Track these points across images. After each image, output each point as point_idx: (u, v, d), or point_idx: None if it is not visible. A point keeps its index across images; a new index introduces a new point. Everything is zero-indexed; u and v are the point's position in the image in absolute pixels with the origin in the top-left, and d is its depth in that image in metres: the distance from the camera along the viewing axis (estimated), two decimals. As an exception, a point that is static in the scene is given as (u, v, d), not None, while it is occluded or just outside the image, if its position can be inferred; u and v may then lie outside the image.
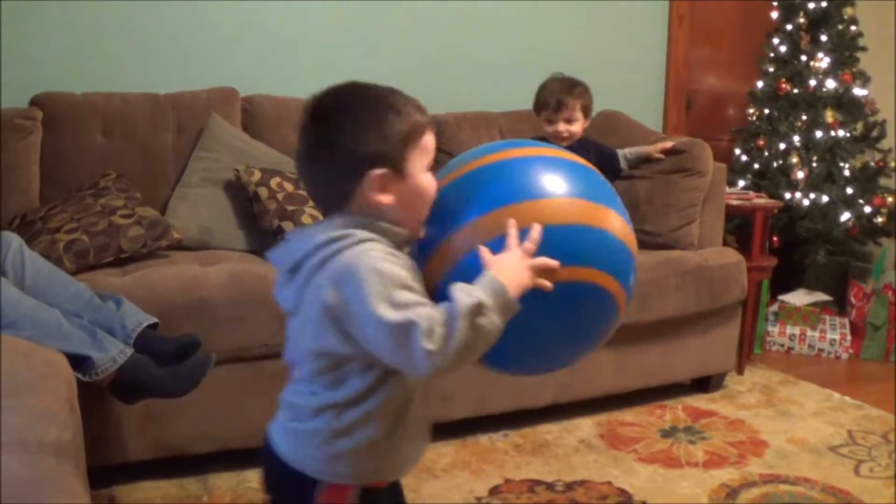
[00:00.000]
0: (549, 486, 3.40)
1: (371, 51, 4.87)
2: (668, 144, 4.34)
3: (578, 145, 4.23)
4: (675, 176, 4.31)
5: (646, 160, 4.37)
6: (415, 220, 1.82)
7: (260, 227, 3.86)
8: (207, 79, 4.38)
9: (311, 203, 3.83)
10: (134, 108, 4.10)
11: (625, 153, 4.40)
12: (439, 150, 4.59)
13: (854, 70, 5.47)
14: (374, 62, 4.89)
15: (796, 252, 5.52)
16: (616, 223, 1.88)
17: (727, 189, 4.68)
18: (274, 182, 3.86)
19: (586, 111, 4.23)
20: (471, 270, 1.69)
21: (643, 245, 4.27)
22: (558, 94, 4.19)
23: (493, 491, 3.35)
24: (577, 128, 4.19)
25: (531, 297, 1.70)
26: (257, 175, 3.87)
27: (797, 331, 5.29)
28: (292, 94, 4.46)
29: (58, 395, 2.09)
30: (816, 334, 5.26)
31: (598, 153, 4.25)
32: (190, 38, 4.49)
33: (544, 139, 4.31)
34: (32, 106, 4.00)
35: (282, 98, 4.43)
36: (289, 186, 3.87)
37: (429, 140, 1.84)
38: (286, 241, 1.80)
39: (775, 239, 5.43)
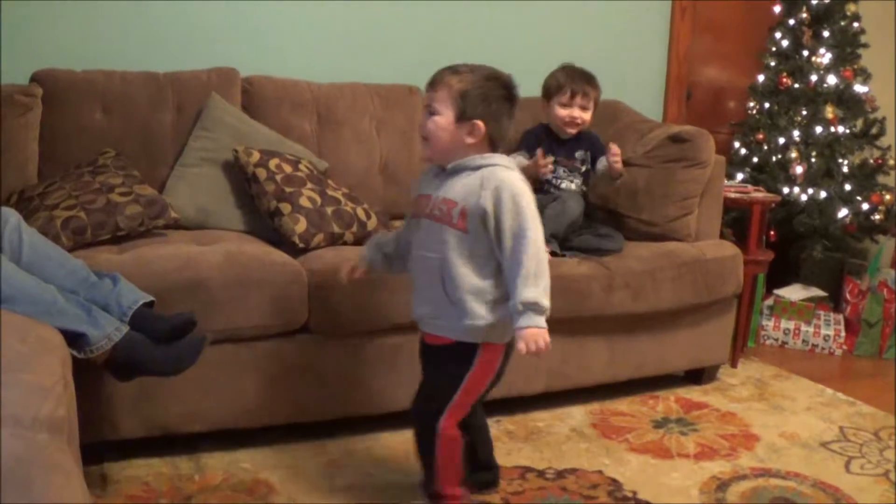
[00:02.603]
0: (540, 474, 3.41)
1: (373, 35, 4.87)
2: (619, 162, 4.18)
3: (586, 135, 4.36)
4: (675, 165, 4.31)
5: (609, 177, 4.34)
6: None
7: (257, 208, 3.85)
8: (208, 59, 4.38)
9: (309, 185, 3.83)
10: (134, 87, 4.10)
11: (603, 164, 4.37)
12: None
13: (855, 67, 5.47)
14: (377, 46, 4.88)
15: (793, 247, 5.53)
16: None
17: (725, 182, 4.68)
18: (272, 163, 3.86)
19: (596, 103, 4.35)
20: None
21: (640, 235, 4.31)
22: (579, 82, 4.28)
23: (485, 477, 3.35)
24: (588, 116, 4.31)
25: None
26: (256, 156, 3.87)
27: (791, 325, 5.30)
28: (293, 76, 4.47)
29: (52, 372, 2.09)
30: (811, 329, 5.27)
31: (596, 146, 4.37)
32: (191, 17, 4.49)
33: (547, 127, 4.35)
34: (32, 83, 4.00)
35: (282, 79, 4.43)
36: (287, 168, 3.87)
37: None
38: None
39: (772, 233, 5.43)
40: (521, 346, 2.60)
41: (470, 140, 2.72)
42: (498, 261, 2.70)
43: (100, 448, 3.19)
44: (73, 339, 2.71)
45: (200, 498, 3.07)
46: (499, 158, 2.76)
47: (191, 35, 4.48)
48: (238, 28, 4.59)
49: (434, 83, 2.78)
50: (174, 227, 3.73)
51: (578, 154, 4.33)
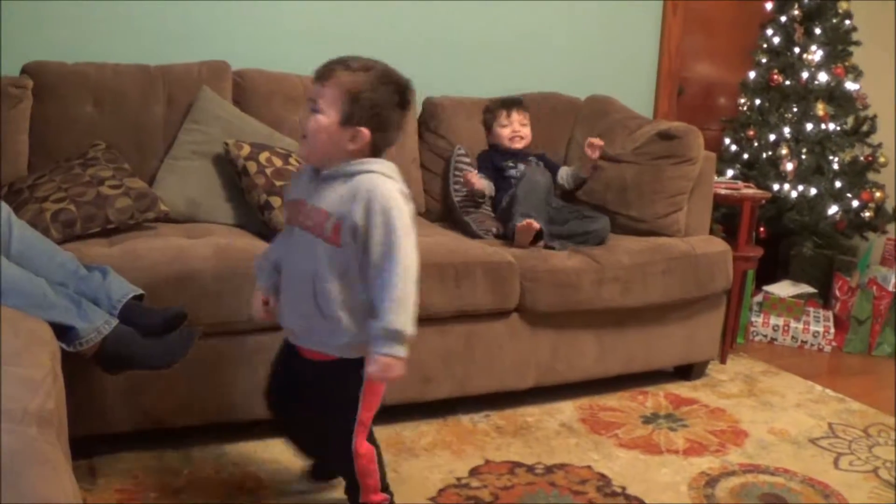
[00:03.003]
0: (530, 469, 3.41)
1: (366, 29, 4.85)
2: (594, 153, 4.38)
3: (534, 153, 4.61)
4: (664, 162, 4.31)
5: (582, 181, 4.49)
6: None
7: (247, 202, 3.85)
8: (199, 52, 4.37)
9: (300, 179, 3.84)
10: (125, 80, 4.08)
11: (566, 171, 4.56)
12: (431, 131, 4.66)
13: (846, 64, 5.49)
14: (370, 41, 4.87)
15: (783, 243, 5.54)
16: None
17: (716, 178, 4.69)
18: (263, 157, 3.85)
19: (530, 123, 4.68)
20: None
21: (629, 230, 4.32)
22: (509, 103, 4.68)
23: (474, 471, 3.35)
24: (529, 132, 4.67)
25: None
26: (246, 149, 3.86)
27: (781, 322, 5.31)
28: (284, 70, 4.46)
29: (42, 365, 2.09)
30: (800, 326, 5.28)
31: (546, 162, 4.59)
32: (183, 10, 4.47)
33: (495, 147, 4.53)
34: (23, 74, 3.98)
35: (273, 73, 4.42)
36: (277, 161, 3.86)
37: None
38: None
39: (762, 230, 5.44)
40: (373, 370, 2.47)
41: (352, 147, 2.55)
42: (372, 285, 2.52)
43: (89, 441, 3.18)
44: (63, 332, 2.70)
45: (189, 491, 3.07)
46: (377, 165, 2.58)
47: (182, 28, 4.47)
48: (230, 21, 4.57)
49: (322, 76, 2.56)
50: (164, 221, 3.72)
51: (531, 159, 4.55)
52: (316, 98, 2.55)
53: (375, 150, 2.61)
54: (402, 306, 2.45)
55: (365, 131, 2.53)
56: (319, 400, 2.71)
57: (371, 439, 2.74)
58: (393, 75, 2.60)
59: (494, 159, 4.55)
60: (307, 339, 2.67)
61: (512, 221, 4.08)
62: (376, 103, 2.53)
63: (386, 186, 2.52)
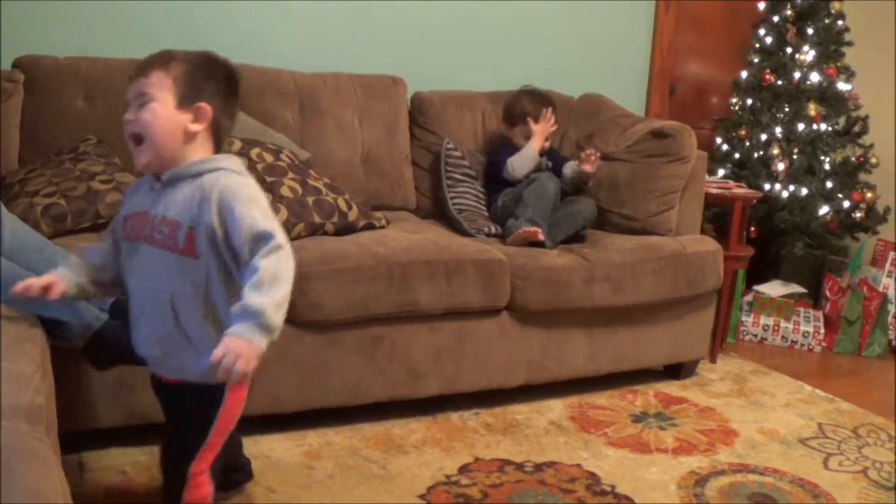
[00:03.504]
0: (519, 467, 3.41)
1: (357, 25, 4.85)
2: (592, 167, 4.30)
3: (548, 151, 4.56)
4: (657, 161, 4.31)
5: (581, 180, 4.42)
6: None
7: (239, 198, 3.84)
8: (191, 47, 4.32)
9: (290, 174, 3.82)
10: (116, 74, 4.06)
11: (571, 167, 4.49)
12: (421, 126, 4.65)
13: (839, 64, 5.49)
14: (360, 37, 4.87)
15: (773, 243, 5.54)
16: None
17: (707, 177, 4.69)
18: (254, 152, 3.84)
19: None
20: None
21: (621, 229, 4.32)
22: (548, 97, 4.62)
23: (463, 469, 3.35)
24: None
25: None
26: (237, 145, 3.86)
27: (771, 321, 5.31)
28: (276, 65, 4.45)
29: (31, 360, 2.08)
30: (790, 326, 5.29)
31: (555, 158, 4.59)
32: (174, 5, 4.46)
33: (511, 143, 4.48)
34: (14, 69, 3.97)
35: (264, 68, 4.41)
36: (269, 157, 3.86)
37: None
38: None
39: (753, 229, 5.44)
40: (218, 353, 2.09)
41: (195, 128, 2.31)
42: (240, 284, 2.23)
43: (78, 437, 3.17)
44: (52, 326, 2.69)
45: (178, 487, 3.07)
46: (224, 161, 2.35)
47: (173, 23, 4.46)
48: (221, 16, 4.56)
49: (143, 69, 2.31)
50: (155, 216, 3.71)
51: (542, 158, 4.53)
52: (142, 90, 2.29)
53: (217, 140, 2.40)
54: (269, 289, 2.15)
55: (206, 106, 2.32)
56: (175, 426, 2.54)
57: (212, 474, 2.41)
58: (218, 57, 2.46)
59: (505, 156, 4.49)
60: (168, 366, 2.42)
61: (517, 221, 4.08)
62: (209, 76, 2.37)
63: (239, 182, 2.30)
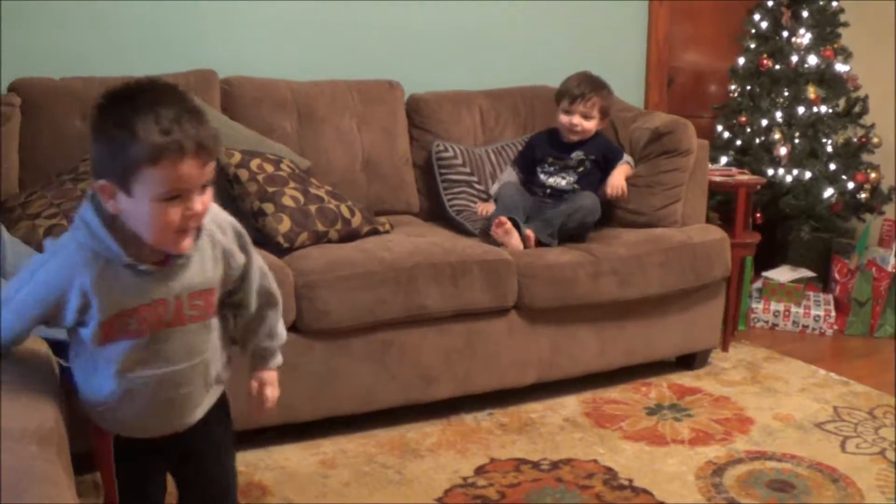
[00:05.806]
0: (535, 465, 3.40)
1: (351, 29, 4.84)
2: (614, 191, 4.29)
3: (590, 142, 4.38)
4: (659, 158, 4.32)
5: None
6: (146, 236, 1.89)
7: (240, 209, 3.83)
8: (186, 61, 4.35)
9: (291, 184, 3.81)
10: (113, 92, 4.07)
11: (628, 161, 4.41)
12: (419, 127, 4.63)
13: (835, 46, 5.47)
14: (355, 41, 4.86)
15: (780, 228, 5.53)
16: None
17: (709, 166, 4.68)
18: (254, 163, 3.84)
19: (604, 113, 4.39)
20: None
21: (628, 223, 4.31)
22: (583, 88, 4.35)
23: (479, 470, 3.35)
24: (592, 126, 4.37)
25: None
26: (237, 157, 3.85)
27: (781, 307, 5.30)
28: (271, 76, 4.45)
29: (40, 381, 2.08)
30: (801, 310, 5.27)
31: (604, 149, 4.40)
32: (167, 20, 4.45)
33: (555, 130, 4.41)
34: (11, 92, 3.96)
35: (261, 79, 4.41)
36: (269, 168, 3.85)
37: (164, 171, 1.80)
38: None
39: (758, 215, 5.43)
40: (267, 391, 2.30)
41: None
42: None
43: (93, 456, 3.16)
44: (60, 348, 2.69)
45: (195, 503, 3.06)
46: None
47: (168, 38, 4.45)
48: (215, 29, 4.56)
49: (207, 150, 1.87)
50: (157, 232, 3.70)
51: (575, 154, 4.37)
52: (210, 174, 1.90)
53: None
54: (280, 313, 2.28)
55: None
56: (213, 468, 2.45)
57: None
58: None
59: (538, 151, 4.46)
60: (186, 424, 2.23)
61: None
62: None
63: (221, 212, 2.12)
